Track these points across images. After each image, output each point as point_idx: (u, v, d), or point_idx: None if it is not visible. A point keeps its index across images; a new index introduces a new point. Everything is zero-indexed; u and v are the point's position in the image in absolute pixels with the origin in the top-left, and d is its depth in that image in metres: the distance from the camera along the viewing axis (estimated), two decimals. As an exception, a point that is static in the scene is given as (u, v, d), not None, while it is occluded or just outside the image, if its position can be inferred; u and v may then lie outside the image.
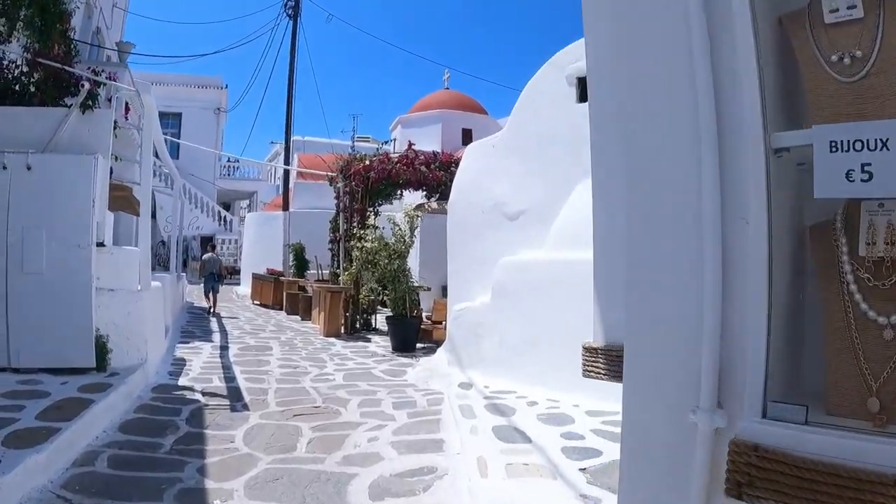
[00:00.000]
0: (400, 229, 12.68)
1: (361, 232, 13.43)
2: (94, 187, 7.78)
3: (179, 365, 10.00)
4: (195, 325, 16.05)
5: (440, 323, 13.43)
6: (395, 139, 29.39)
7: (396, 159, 15.79)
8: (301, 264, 22.73)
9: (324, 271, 20.91)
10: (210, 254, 21.92)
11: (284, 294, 20.87)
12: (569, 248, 8.39)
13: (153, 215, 34.28)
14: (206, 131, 39.96)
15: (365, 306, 15.53)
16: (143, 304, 8.41)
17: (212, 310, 18.99)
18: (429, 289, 13.47)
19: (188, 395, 8.06)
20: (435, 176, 15.75)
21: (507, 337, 8.54)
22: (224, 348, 12.16)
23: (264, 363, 10.62)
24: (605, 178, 3.05)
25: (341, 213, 15.98)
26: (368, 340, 14.04)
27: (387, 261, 12.33)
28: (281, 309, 21.17)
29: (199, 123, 39.69)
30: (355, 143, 34.98)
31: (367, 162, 15.61)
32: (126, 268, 8.40)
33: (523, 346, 8.30)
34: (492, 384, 8.36)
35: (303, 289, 19.97)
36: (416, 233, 12.70)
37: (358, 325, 15.43)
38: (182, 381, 8.79)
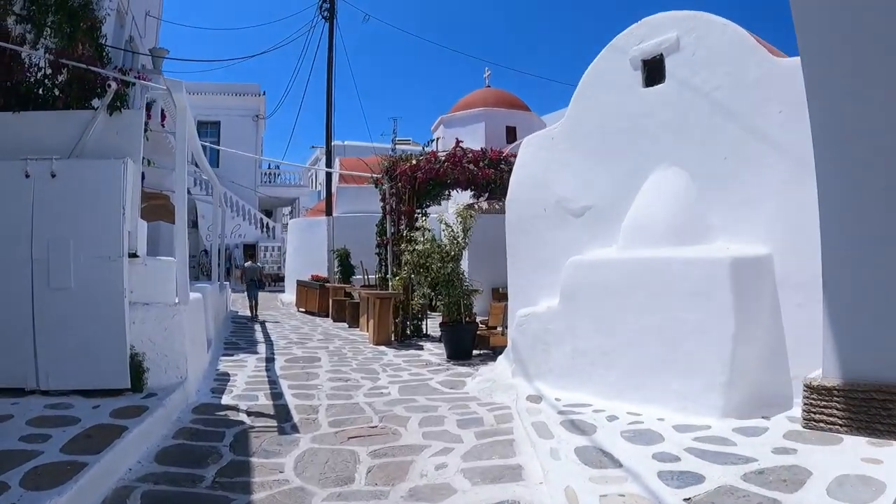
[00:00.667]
0: (452, 230, 11.94)
1: (411, 234, 12.71)
2: (124, 194, 7.16)
3: (223, 381, 9.36)
4: (239, 335, 15.47)
5: (496, 328, 12.68)
6: (437, 139, 28.68)
7: (444, 158, 15.07)
8: (346, 270, 22.20)
9: (370, 276, 20.36)
10: (250, 262, 23.50)
11: (330, 301, 20.27)
12: (644, 244, 7.61)
13: (195, 224, 34.29)
14: (246, 139, 39.73)
15: (415, 312, 14.83)
16: (181, 319, 7.76)
17: (255, 316, 19.71)
18: (481, 292, 12.69)
19: (232, 415, 7.39)
20: (484, 174, 15.02)
21: (578, 344, 7.74)
22: (270, 360, 11.52)
23: (313, 376, 9.95)
24: (837, 166, 2.25)
25: (388, 216, 15.30)
26: (421, 348, 13.32)
27: (439, 264, 11.60)
28: (327, 316, 20.58)
29: (239, 131, 39.46)
30: (396, 146, 34.25)
31: (414, 161, 14.90)
32: (162, 280, 7.76)
33: (597, 354, 7.50)
34: (563, 397, 7.57)
35: (349, 295, 19.39)
36: (469, 234, 11.95)
37: (409, 332, 14.73)
38: (225, 400, 8.13)
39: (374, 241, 17.18)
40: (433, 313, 15.91)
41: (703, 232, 7.47)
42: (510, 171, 15.42)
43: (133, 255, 7.45)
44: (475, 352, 12.02)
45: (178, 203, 8.12)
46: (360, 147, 34.61)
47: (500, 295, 19.62)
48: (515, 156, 15.84)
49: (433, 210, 16.11)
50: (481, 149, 15.77)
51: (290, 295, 26.77)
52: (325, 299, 21.10)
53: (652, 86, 8.26)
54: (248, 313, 20.45)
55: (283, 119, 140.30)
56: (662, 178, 7.99)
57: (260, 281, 22.69)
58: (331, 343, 14.06)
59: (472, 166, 15.10)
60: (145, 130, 8.28)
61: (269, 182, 42.56)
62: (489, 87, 33.08)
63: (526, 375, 8.45)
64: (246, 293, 20.89)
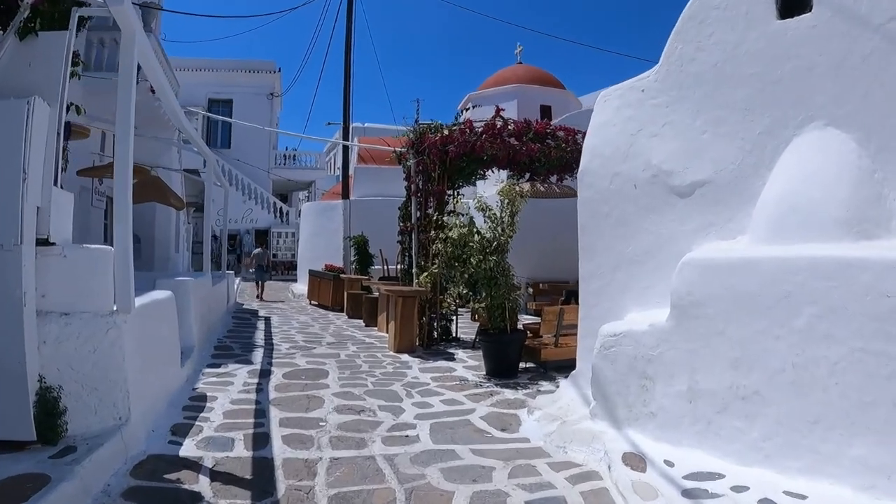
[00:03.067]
0: (495, 214, 9.48)
1: (444, 219, 10.25)
2: (26, 148, 4.75)
3: (194, 410, 6.99)
4: (237, 334, 13.14)
5: (538, 333, 10.25)
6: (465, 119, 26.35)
7: (480, 129, 12.62)
8: (364, 259, 19.98)
9: (390, 267, 18.11)
10: (259, 249, 25.42)
11: (345, 294, 18.03)
12: (801, 237, 5.14)
13: (201, 208, 32.03)
14: (260, 118, 37.42)
15: (445, 312, 12.46)
16: (120, 334, 5.35)
17: (260, 296, 22.58)
18: (522, 290, 10.24)
19: (189, 480, 5.00)
20: (528, 149, 12.56)
21: (700, 381, 5.27)
22: (265, 374, 9.17)
23: (315, 402, 7.55)
24: None
25: (413, 198, 12.85)
26: (451, 357, 10.92)
27: (480, 256, 9.13)
28: (341, 311, 18.37)
29: (252, 109, 37.18)
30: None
31: (446, 132, 12.45)
32: (91, 278, 5.36)
33: (731, 397, 5.04)
34: (677, 458, 5.13)
35: (366, 288, 17.08)
36: (516, 218, 9.47)
37: (435, 335, 12.35)
38: (187, 448, 5.71)
39: (394, 228, 14.76)
40: (461, 309, 13.52)
41: (886, 220, 5.01)
42: (558, 146, 13.11)
43: (45, 242, 5.06)
44: (520, 365, 9.65)
45: (119, 165, 5.69)
46: (380, 129, 32.29)
47: (539, 291, 17.26)
48: (565, 129, 13.67)
49: (466, 192, 13.68)
50: (524, 120, 13.28)
51: (302, 285, 24.57)
52: (340, 292, 18.90)
53: (792, 16, 5.77)
54: (254, 307, 19.43)
55: (300, 98, 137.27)
56: (815, 143, 5.50)
57: (267, 267, 24.86)
58: (343, 349, 11.68)
59: (513, 140, 12.67)
60: (76, 64, 5.90)
61: (285, 164, 40.23)
62: (521, 63, 30.64)
63: (613, 419, 5.99)
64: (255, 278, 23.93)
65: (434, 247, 9.97)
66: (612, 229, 6.98)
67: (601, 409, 6.17)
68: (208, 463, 5.35)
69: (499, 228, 9.30)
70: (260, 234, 34.84)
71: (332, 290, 19.39)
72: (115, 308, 5.43)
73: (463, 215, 9.84)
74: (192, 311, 9.90)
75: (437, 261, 9.91)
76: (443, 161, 12.35)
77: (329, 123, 28.94)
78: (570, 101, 28.14)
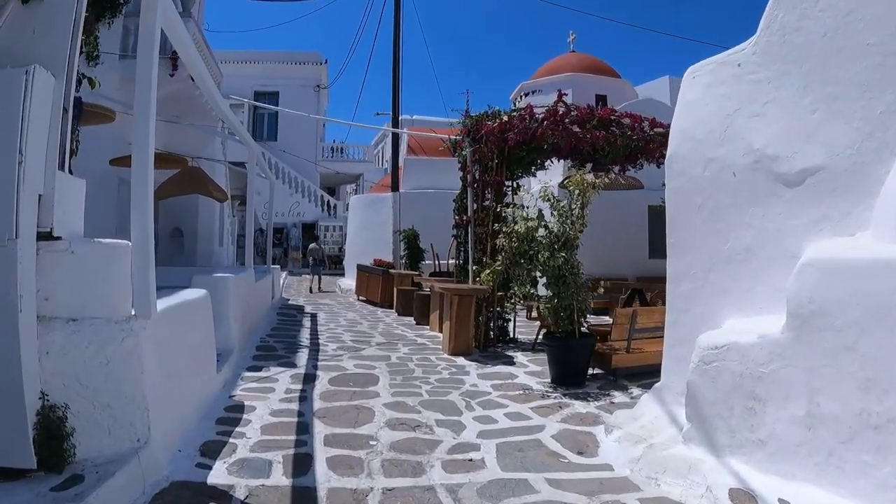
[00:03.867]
0: (564, 206, 8.57)
1: (506, 211, 9.35)
2: (23, 126, 4.00)
3: (228, 425, 6.23)
4: (281, 333, 12.45)
5: (604, 335, 9.35)
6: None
7: (541, 116, 11.71)
8: (414, 254, 19.15)
9: (441, 262, 17.29)
10: (314, 244, 26.76)
11: (395, 290, 17.25)
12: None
13: (244, 201, 31.57)
14: (306, 110, 36.82)
15: (502, 311, 11.61)
16: (138, 343, 4.58)
17: (312, 290, 23.62)
18: (601, 290, 9.31)
19: (216, 515, 4.24)
20: (594, 137, 11.64)
21: (823, 405, 4.33)
22: (309, 379, 8.42)
23: (365, 415, 6.76)
24: None
25: (469, 189, 11.99)
26: (511, 361, 10.07)
27: (548, 253, 8.22)
28: (391, 307, 17.66)
29: (298, 102, 36.59)
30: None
31: (505, 118, 11.56)
32: (105, 278, 4.60)
33: (861, 425, 4.09)
34: (793, 495, 4.22)
35: (417, 284, 16.29)
36: (587, 211, 8.55)
37: (492, 335, 11.49)
38: (216, 474, 4.91)
39: (446, 222, 13.93)
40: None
41: None
42: (623, 135, 12.15)
43: (48, 236, 4.31)
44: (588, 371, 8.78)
45: (139, 147, 4.92)
46: (430, 122, 31.51)
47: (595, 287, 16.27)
48: (631, 116, 12.68)
49: (522, 183, 12.79)
50: (587, 106, 12.34)
51: (349, 280, 23.91)
52: (389, 288, 18.18)
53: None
54: (300, 302, 19.07)
55: (347, 89, 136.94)
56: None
57: (322, 261, 25.95)
58: (394, 350, 10.89)
59: (575, 128, 11.75)
60: (90, 43, 5.15)
61: (332, 157, 39.60)
62: (574, 51, 29.63)
63: (712, 445, 5.06)
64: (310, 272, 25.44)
65: (497, 241, 9.04)
66: (707, 223, 6.04)
67: (697, 432, 5.25)
68: (240, 493, 4.56)
69: (568, 221, 8.39)
70: (307, 228, 34.32)
71: (381, 286, 18.68)
72: (132, 312, 4.66)
73: (525, 207, 8.91)
74: (231, 310, 9.19)
75: (499, 257, 8.99)
76: (501, 149, 11.48)
77: (378, 114, 28.27)
78: (626, 90, 27.10)
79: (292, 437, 5.94)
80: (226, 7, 71.29)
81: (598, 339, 9.17)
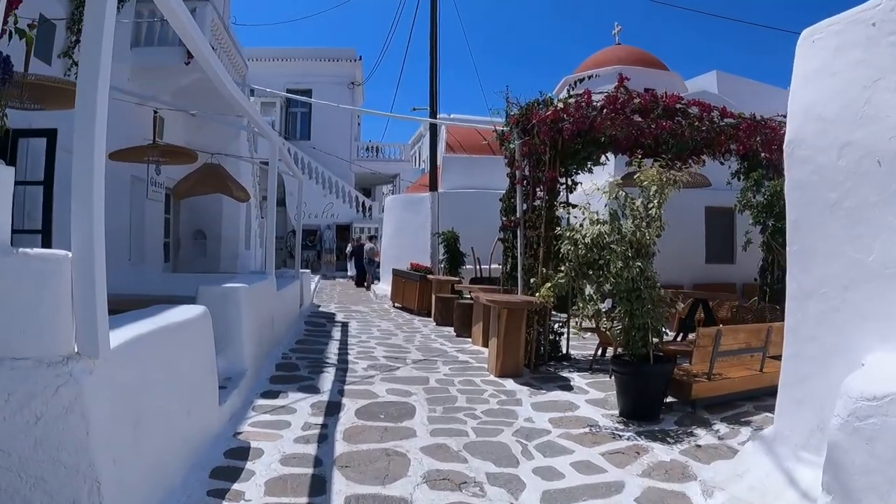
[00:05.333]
0: (638, 207, 7.14)
1: (575, 212, 7.83)
2: None
3: (227, 476, 4.97)
4: (307, 346, 11.22)
5: (671, 353, 7.96)
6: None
7: (601, 103, 10.32)
8: (454, 258, 17.83)
9: (483, 267, 15.97)
10: (370, 244, 27.27)
11: (433, 298, 15.88)
12: None
13: (282, 201, 30.55)
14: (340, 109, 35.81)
15: (555, 326, 10.26)
16: (85, 391, 3.27)
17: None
18: (678, 308, 7.86)
19: None
20: (659, 127, 10.23)
21: None
22: (333, 409, 7.15)
23: (397, 465, 5.42)
24: None
25: (518, 187, 10.61)
26: (568, 385, 8.69)
27: (621, 263, 6.80)
28: (428, 315, 16.35)
29: (332, 99, 35.45)
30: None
31: (560, 104, 10.17)
32: (34, 303, 3.28)
33: None
34: None
35: (458, 292, 14.93)
36: (662, 210, 7.11)
37: (542, 350, 10.12)
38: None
39: (487, 224, 12.59)
40: (560, 313, 11.24)
41: None
42: (691, 126, 10.72)
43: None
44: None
45: (83, 121, 3.56)
46: (469, 120, 30.30)
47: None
48: (699, 104, 11.20)
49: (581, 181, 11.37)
50: (650, 92, 10.89)
51: (384, 286, 22.58)
52: (427, 295, 16.88)
53: None
54: (331, 309, 17.92)
55: (382, 88, 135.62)
56: None
57: (371, 260, 26.52)
58: (432, 370, 9.56)
59: (637, 118, 10.34)
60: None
61: (368, 157, 38.42)
62: (619, 44, 28.16)
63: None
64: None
65: (560, 248, 7.56)
66: (844, 227, 4.60)
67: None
68: None
69: (642, 224, 6.97)
70: (341, 230, 33.15)
71: (417, 293, 17.38)
72: (74, 349, 3.35)
73: (585, 209, 7.42)
74: (244, 326, 7.92)
75: (562, 267, 7.52)
76: (554, 142, 10.10)
77: (414, 109, 26.95)
78: (675, 84, 25.52)
79: (304, 501, 4.62)
80: (254, 2, 70.34)
81: (675, 364, 7.76)
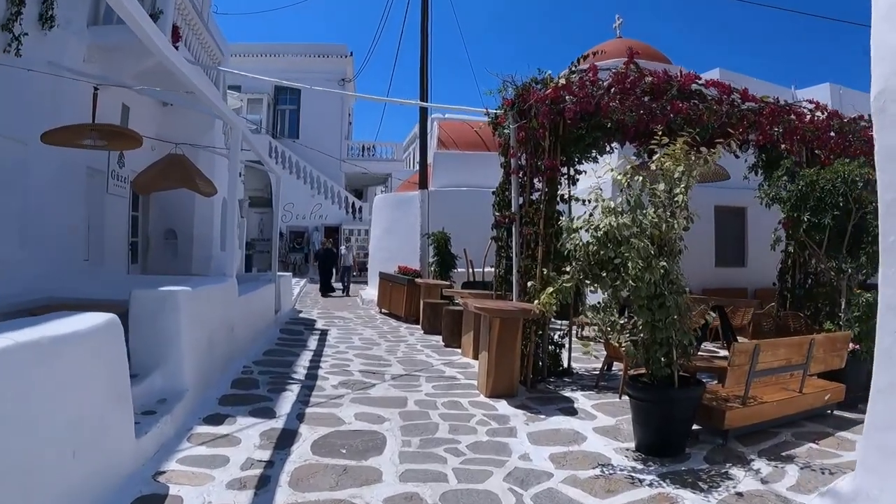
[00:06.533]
0: (660, 194, 5.76)
1: (592, 201, 6.34)
2: None
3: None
4: (274, 359, 9.89)
5: (690, 371, 6.63)
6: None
7: (607, 82, 9.02)
8: (445, 261, 16.60)
9: (476, 270, 14.81)
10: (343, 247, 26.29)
11: (422, 303, 14.59)
12: None
13: (269, 202, 29.21)
14: (331, 106, 34.44)
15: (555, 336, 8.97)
16: None
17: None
18: (711, 319, 6.45)
19: None
20: (675, 109, 8.92)
21: None
22: (285, 441, 5.87)
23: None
24: None
25: (513, 178, 9.28)
26: (571, 408, 7.37)
27: (642, 264, 5.42)
28: (416, 322, 15.11)
29: (322, 97, 34.24)
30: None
31: (562, 81, 8.86)
32: None
33: None
34: None
35: (448, 298, 13.63)
36: (688, 197, 5.75)
37: (540, 365, 8.81)
38: None
39: (480, 224, 11.26)
40: (560, 320, 9.96)
41: None
42: (709, 109, 9.40)
43: None
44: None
45: None
46: (463, 110, 29.08)
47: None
48: (717, 84, 9.86)
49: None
50: (663, 71, 9.57)
51: (372, 290, 21.26)
52: (415, 300, 15.65)
53: None
54: (313, 315, 16.69)
55: (373, 85, 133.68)
56: None
57: (346, 267, 24.74)
58: (413, 388, 8.23)
59: (647, 99, 9.04)
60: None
61: (360, 156, 37.04)
62: (620, 37, 26.91)
63: None
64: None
65: (566, 243, 6.06)
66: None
67: None
68: None
69: (665, 214, 5.61)
70: (330, 232, 31.79)
71: (405, 298, 16.08)
72: None
73: (596, 194, 5.97)
74: (183, 337, 6.59)
75: (568, 267, 6.06)
76: (555, 125, 8.79)
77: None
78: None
79: None
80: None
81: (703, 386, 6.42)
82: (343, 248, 23.80)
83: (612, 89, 8.90)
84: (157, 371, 6.44)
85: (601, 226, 5.47)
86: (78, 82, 9.97)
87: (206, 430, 6.07)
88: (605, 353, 8.62)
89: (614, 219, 5.37)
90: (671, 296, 5.50)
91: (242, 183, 24.48)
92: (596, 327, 6.12)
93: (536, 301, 6.10)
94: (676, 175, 5.66)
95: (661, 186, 5.65)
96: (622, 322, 5.84)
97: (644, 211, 5.52)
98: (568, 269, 5.93)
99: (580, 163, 9.45)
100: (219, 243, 16.43)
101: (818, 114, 10.55)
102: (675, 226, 5.51)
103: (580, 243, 5.76)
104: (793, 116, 10.16)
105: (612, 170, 5.94)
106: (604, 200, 5.77)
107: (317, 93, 33.96)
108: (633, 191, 5.80)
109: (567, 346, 9.54)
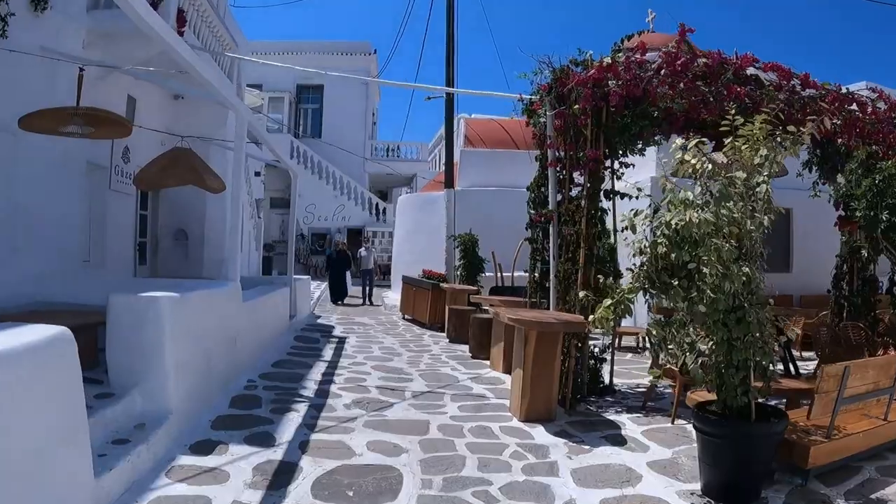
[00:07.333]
0: (741, 185, 4.65)
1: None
2: None
3: None
4: (284, 371, 8.97)
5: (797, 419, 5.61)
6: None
7: (656, 63, 8.02)
8: (472, 264, 15.56)
9: (505, 274, 13.94)
10: (362, 249, 23.01)
11: (447, 310, 13.61)
12: None
13: (286, 204, 28.41)
14: (354, 105, 33.56)
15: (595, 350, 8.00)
16: None
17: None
18: (792, 336, 5.34)
19: None
20: (732, 94, 7.90)
21: None
22: (281, 480, 4.92)
23: None
24: None
25: (550, 171, 8.29)
26: (618, 436, 6.35)
27: (722, 270, 4.32)
28: (441, 329, 14.09)
29: (345, 96, 33.37)
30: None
31: (608, 60, 7.85)
32: None
33: None
34: None
35: (475, 305, 12.68)
36: (769, 188, 4.69)
37: (580, 381, 7.79)
38: None
39: (510, 225, 10.29)
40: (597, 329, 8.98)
41: None
42: (768, 96, 8.32)
43: None
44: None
45: None
46: (491, 94, 28.18)
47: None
48: (777, 68, 8.78)
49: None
50: (718, 53, 8.50)
51: (396, 294, 20.32)
52: (440, 306, 14.66)
53: None
54: (332, 321, 15.78)
55: (397, 79, 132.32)
56: None
57: (367, 271, 22.18)
58: (436, 408, 7.25)
59: (701, 84, 8.02)
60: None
61: (386, 156, 36.13)
62: (653, 31, 25.88)
63: None
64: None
65: (633, 245, 4.90)
66: None
67: None
68: None
69: (746, 208, 4.56)
70: (353, 234, 30.92)
71: (429, 303, 15.11)
72: None
73: (667, 179, 4.88)
74: (167, 350, 5.67)
75: (640, 273, 4.92)
76: (597, 112, 7.78)
77: (429, 98, 24.59)
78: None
79: None
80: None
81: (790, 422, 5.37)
82: (363, 250, 22.01)
83: (663, 71, 7.89)
84: (136, 390, 5.55)
85: (674, 221, 4.38)
86: (76, 69, 9.14)
87: (191, 461, 5.14)
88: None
89: (694, 213, 4.28)
90: (752, 308, 4.46)
91: (263, 183, 23.69)
92: (660, 347, 5.01)
93: (592, 317, 4.99)
94: (757, 160, 4.61)
95: (740, 174, 4.59)
96: (699, 344, 4.77)
97: (731, 204, 4.43)
98: (629, 275, 4.88)
99: (625, 155, 8.41)
100: (239, 245, 15.56)
101: (880, 104, 9.48)
102: (766, 222, 4.47)
103: (645, 244, 4.71)
104: (854, 106, 9.10)
105: (680, 148, 4.88)
106: (676, 189, 4.69)
107: (340, 92, 33.31)
108: (704, 180, 4.75)
109: (609, 360, 8.53)
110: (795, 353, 8.96)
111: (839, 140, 8.99)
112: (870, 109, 9.26)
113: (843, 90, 9.17)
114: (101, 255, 11.69)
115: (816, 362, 9.24)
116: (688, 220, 4.21)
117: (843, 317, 9.67)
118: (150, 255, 14.55)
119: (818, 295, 10.60)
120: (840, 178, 8.93)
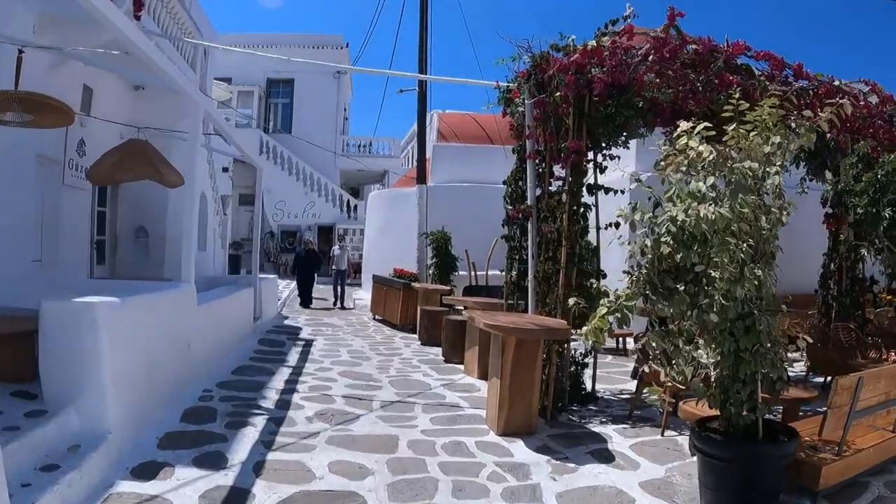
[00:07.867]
0: (754, 176, 4.10)
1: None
2: None
3: None
4: (243, 380, 8.33)
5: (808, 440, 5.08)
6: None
7: (643, 50, 7.50)
8: (445, 263, 15.01)
9: (478, 273, 13.50)
10: (336, 247, 21.80)
11: (418, 311, 13.10)
12: None
13: (252, 200, 27.73)
14: (325, 99, 32.88)
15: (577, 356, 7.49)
16: None
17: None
18: (803, 345, 4.79)
19: None
20: (724, 82, 7.40)
21: None
22: (234, 507, 4.32)
23: None
24: None
25: (528, 164, 7.76)
26: (606, 453, 5.82)
27: (736, 272, 3.79)
28: (413, 331, 13.64)
29: (316, 90, 32.63)
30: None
31: (592, 44, 7.32)
32: None
33: None
34: None
35: (448, 306, 12.15)
36: (782, 180, 4.17)
37: (562, 388, 7.26)
38: None
39: (485, 223, 9.79)
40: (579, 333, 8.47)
41: None
42: (761, 86, 7.82)
43: None
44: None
45: None
46: (465, 82, 27.62)
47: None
48: (769, 56, 8.32)
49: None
50: (707, 39, 8.00)
51: (366, 293, 19.70)
52: (412, 306, 14.20)
53: None
54: (299, 322, 15.13)
55: (370, 79, 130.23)
56: None
57: (339, 271, 20.17)
58: (406, 421, 6.70)
59: (690, 73, 7.53)
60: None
61: (357, 152, 35.43)
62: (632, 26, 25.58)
63: None
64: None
65: (634, 245, 4.29)
66: None
67: None
68: None
69: (759, 203, 4.02)
70: (323, 231, 30.25)
71: (400, 304, 14.56)
72: None
73: (678, 167, 4.30)
74: (104, 363, 5.06)
75: (641, 276, 4.33)
76: (580, 99, 7.26)
77: (401, 90, 23.91)
78: (698, 71, 22.89)
79: None
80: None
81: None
82: (336, 249, 20.96)
83: (651, 58, 7.38)
84: (71, 407, 4.94)
85: (681, 217, 3.81)
86: (28, 56, 8.51)
87: (132, 487, 4.56)
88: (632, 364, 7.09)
89: (706, 208, 3.71)
90: (762, 315, 3.93)
91: (231, 179, 22.94)
92: (662, 362, 4.45)
93: (583, 329, 4.40)
94: (768, 149, 4.09)
95: (751, 165, 4.04)
96: (704, 357, 4.21)
97: (746, 198, 3.87)
98: (629, 280, 4.31)
99: (608, 147, 7.90)
100: (197, 244, 14.88)
101: (872, 98, 9.09)
102: (783, 219, 3.94)
103: (645, 243, 4.14)
104: (846, 100, 8.67)
105: (685, 133, 4.34)
106: (693, 180, 4.09)
107: (311, 86, 32.63)
108: (706, 172, 4.21)
109: (591, 365, 8.02)
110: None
111: (828, 135, 8.57)
112: (861, 103, 8.86)
113: (837, 83, 8.75)
114: (54, 255, 11.00)
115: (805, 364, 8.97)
116: (700, 215, 3.65)
117: (830, 317, 9.40)
118: (108, 255, 13.87)
119: (804, 294, 10.19)
120: (828, 174, 8.55)
